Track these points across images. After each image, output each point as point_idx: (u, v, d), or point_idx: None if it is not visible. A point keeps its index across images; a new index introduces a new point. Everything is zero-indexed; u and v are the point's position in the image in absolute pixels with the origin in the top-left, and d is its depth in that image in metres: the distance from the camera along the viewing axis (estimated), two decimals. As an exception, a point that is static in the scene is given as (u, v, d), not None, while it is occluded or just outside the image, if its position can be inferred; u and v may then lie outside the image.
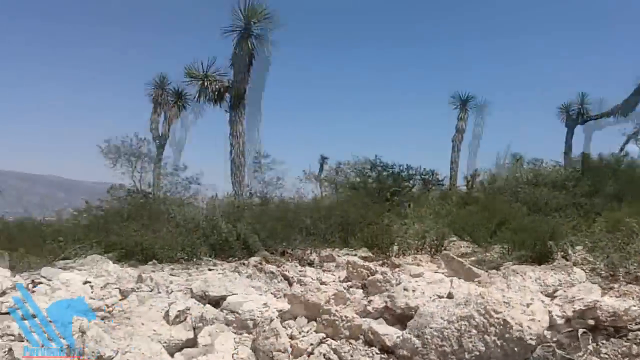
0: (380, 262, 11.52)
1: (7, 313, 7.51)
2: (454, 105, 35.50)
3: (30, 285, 8.19)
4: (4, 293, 7.90)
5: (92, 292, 7.84)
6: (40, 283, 8.17)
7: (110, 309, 6.97)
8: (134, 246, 12.75)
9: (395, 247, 12.99)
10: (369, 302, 7.27)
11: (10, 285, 8.16)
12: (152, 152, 26.02)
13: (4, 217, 30.52)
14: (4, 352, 6.44)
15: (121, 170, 25.21)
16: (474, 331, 5.24)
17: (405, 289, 6.88)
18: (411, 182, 26.80)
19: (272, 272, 8.69)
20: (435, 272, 9.06)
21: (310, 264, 11.69)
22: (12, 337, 6.78)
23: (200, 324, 6.18)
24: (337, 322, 6.19)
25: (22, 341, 6.57)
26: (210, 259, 12.72)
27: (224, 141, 22.79)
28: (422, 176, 28.26)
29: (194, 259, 12.57)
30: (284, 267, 10.11)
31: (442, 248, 13.10)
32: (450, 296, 6.87)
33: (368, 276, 8.88)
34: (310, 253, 12.51)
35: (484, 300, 5.43)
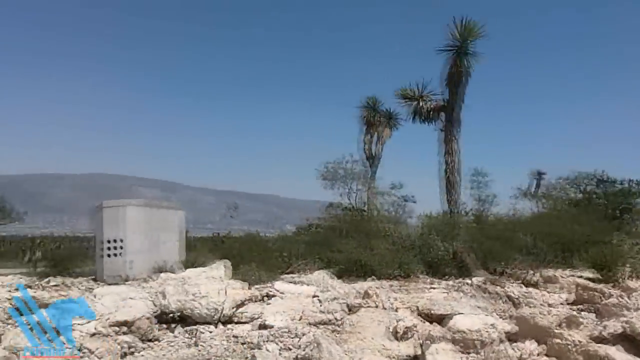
0: (611, 284, 10.74)
1: (246, 322, 8.18)
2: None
3: (265, 298, 8.81)
4: (242, 304, 8.59)
5: (320, 306, 8.25)
6: (274, 296, 8.76)
7: (339, 322, 7.28)
8: (353, 262, 13.18)
9: (628, 269, 12.00)
10: (604, 327, 6.83)
11: (247, 297, 8.85)
12: (365, 171, 26.81)
13: (229, 233, 33.32)
14: (246, 358, 7.03)
15: (338, 192, 26.33)
16: None
17: (646, 315, 6.38)
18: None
19: (496, 293, 8.51)
20: (680, 297, 8.23)
21: (533, 285, 11.22)
22: (252, 345, 7.39)
23: (427, 342, 6.23)
24: (569, 346, 5.92)
25: (261, 349, 7.13)
26: (426, 276, 12.74)
27: (432, 158, 22.84)
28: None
29: (410, 276, 12.67)
30: (507, 287, 9.83)
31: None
32: (700, 323, 6.23)
33: (599, 299, 8.36)
34: (533, 273, 11.99)
35: None
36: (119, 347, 7.08)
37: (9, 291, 10.78)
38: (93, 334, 7.26)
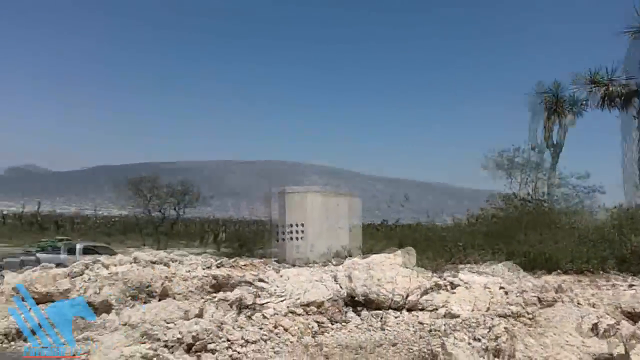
0: None
1: (431, 310, 8.10)
2: None
3: (449, 287, 8.69)
4: (426, 292, 8.52)
5: (507, 298, 7.98)
6: (458, 285, 8.62)
7: (530, 315, 7.00)
8: (537, 255, 12.65)
9: None
10: None
11: (431, 285, 8.77)
12: (545, 160, 25.35)
13: (398, 222, 33.34)
14: (434, 345, 6.98)
15: (513, 181, 25.19)
16: None
17: None
18: None
19: None
20: None
21: None
22: (439, 333, 7.31)
23: (633, 341, 5.81)
24: None
25: (449, 337, 7.03)
26: (618, 273, 11.90)
27: (615, 147, 21.09)
28: None
29: (601, 272, 11.93)
30: None
31: None
32: None
33: None
34: None
35: None
36: (311, 326, 7.36)
37: (204, 269, 11.60)
38: (286, 313, 7.60)
